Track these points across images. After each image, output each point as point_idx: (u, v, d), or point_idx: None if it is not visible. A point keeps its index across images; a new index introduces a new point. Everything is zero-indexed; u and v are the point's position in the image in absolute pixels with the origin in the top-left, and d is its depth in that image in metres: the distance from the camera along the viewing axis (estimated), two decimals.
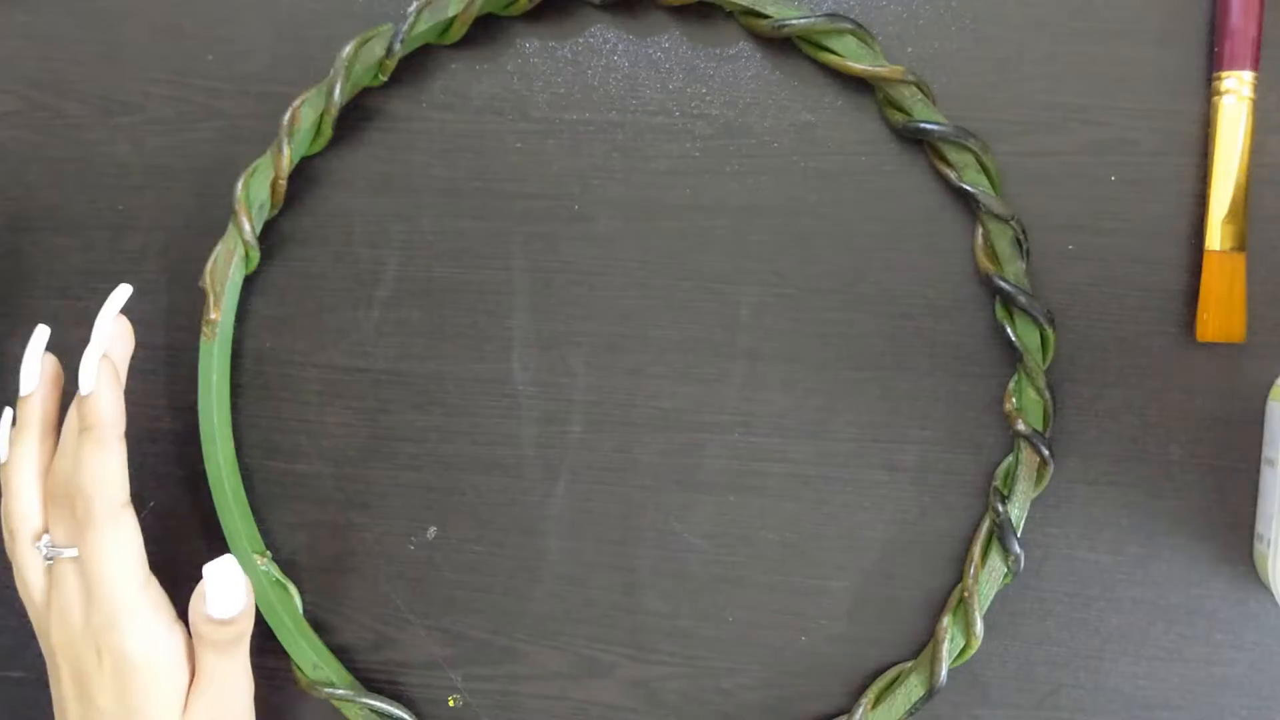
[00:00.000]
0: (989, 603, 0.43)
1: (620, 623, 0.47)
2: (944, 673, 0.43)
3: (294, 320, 0.47)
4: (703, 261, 0.46)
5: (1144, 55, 0.44)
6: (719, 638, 0.46)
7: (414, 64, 0.46)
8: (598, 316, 0.46)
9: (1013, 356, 0.44)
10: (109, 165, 0.48)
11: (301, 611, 0.47)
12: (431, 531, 0.47)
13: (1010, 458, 0.44)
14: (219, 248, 0.45)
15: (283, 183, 0.45)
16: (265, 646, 0.46)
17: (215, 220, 0.47)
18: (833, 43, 0.44)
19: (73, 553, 0.41)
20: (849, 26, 0.43)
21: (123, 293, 0.43)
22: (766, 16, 0.44)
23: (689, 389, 0.46)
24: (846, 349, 0.45)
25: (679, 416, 0.46)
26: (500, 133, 0.46)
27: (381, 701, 0.46)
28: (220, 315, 0.45)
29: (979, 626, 0.43)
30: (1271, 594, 0.41)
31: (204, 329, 0.45)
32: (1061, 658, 0.45)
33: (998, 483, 0.44)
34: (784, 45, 0.45)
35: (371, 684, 0.48)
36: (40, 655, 0.46)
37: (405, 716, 0.46)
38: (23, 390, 0.43)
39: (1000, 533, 0.43)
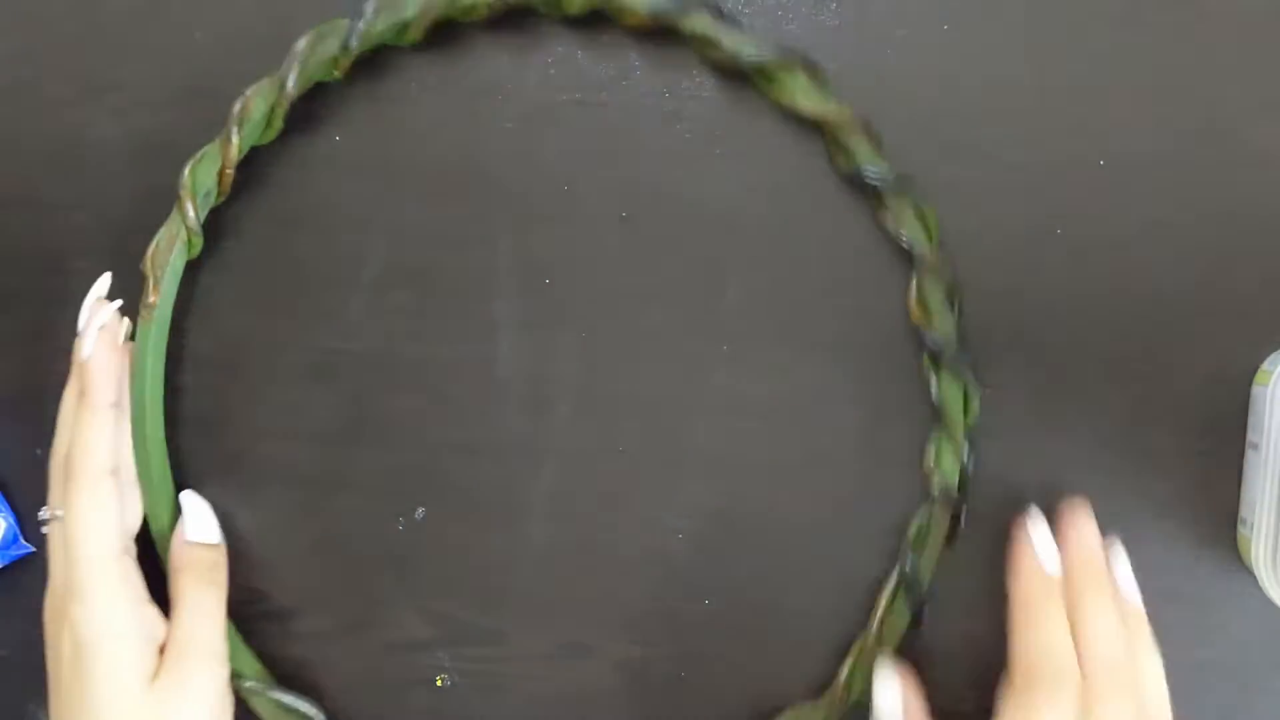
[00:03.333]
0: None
1: (606, 606, 0.47)
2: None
3: (278, 303, 0.47)
4: (690, 245, 0.45)
5: None
6: (704, 621, 0.46)
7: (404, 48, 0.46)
8: (584, 300, 0.46)
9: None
10: (92, 146, 0.47)
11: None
12: (420, 512, 0.47)
13: (923, 513, 0.44)
14: (161, 232, 0.44)
15: (230, 172, 0.43)
16: None
17: None
18: (783, 78, 0.43)
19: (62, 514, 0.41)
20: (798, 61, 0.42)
21: (104, 281, 0.44)
22: (721, 48, 0.43)
23: (675, 373, 0.46)
24: (834, 335, 0.45)
25: (665, 401, 0.46)
26: (490, 115, 0.46)
27: (291, 696, 0.45)
28: (159, 300, 0.44)
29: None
30: (1255, 578, 0.42)
31: (141, 312, 0.44)
32: None
33: (910, 537, 0.44)
34: None
35: (358, 665, 0.48)
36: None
37: (314, 713, 0.45)
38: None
39: (907, 586, 0.44)
